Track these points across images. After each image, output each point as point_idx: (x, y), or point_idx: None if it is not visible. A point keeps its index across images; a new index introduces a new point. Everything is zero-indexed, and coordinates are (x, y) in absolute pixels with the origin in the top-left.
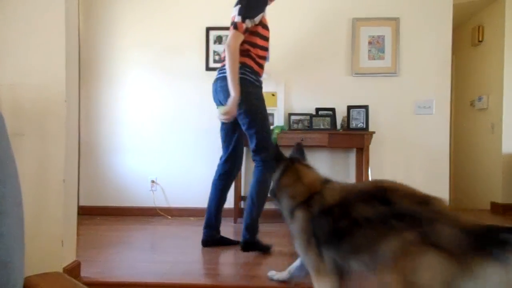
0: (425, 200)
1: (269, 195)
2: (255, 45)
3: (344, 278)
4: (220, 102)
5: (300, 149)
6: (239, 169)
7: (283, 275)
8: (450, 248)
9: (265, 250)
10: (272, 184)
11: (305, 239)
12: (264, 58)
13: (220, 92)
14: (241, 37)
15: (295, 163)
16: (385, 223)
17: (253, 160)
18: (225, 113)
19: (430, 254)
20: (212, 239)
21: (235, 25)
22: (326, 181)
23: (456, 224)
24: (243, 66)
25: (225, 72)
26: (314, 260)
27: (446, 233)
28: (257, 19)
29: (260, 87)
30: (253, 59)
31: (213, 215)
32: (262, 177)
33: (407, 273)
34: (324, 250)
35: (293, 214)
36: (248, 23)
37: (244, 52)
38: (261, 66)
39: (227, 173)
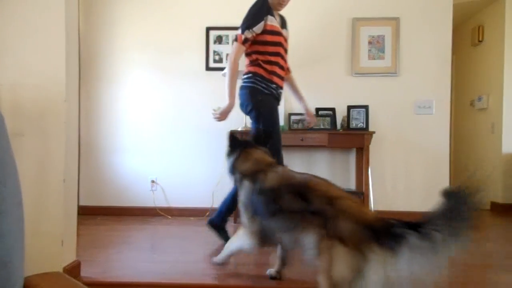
0: (332, 200)
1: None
2: (263, 53)
3: (266, 240)
4: (241, 107)
5: (258, 135)
6: None
7: (276, 266)
8: (352, 240)
9: None
10: (229, 163)
11: (246, 204)
12: (276, 63)
13: (239, 98)
14: (241, 48)
15: (246, 148)
16: (303, 216)
17: None
18: (216, 114)
19: (337, 247)
20: (217, 225)
21: (235, 37)
22: (273, 164)
23: (357, 220)
24: (254, 75)
25: (244, 81)
26: (247, 220)
27: (348, 228)
28: (256, 28)
29: (271, 94)
30: (262, 67)
31: (227, 203)
32: None
33: (325, 265)
34: (255, 217)
35: (241, 184)
36: (247, 34)
37: (254, 62)
38: (273, 73)
39: None
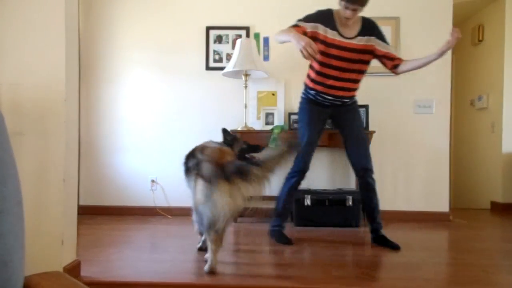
0: (203, 150)
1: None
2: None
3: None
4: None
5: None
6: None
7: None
8: (207, 176)
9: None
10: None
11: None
12: (320, 73)
13: None
14: (290, 28)
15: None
16: (194, 168)
17: None
18: (306, 55)
19: (200, 181)
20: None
21: None
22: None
23: (214, 163)
24: (304, 84)
25: (303, 94)
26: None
27: (207, 168)
28: (301, 23)
29: (306, 99)
30: (308, 75)
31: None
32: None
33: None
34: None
35: None
36: (296, 22)
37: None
38: (315, 81)
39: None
